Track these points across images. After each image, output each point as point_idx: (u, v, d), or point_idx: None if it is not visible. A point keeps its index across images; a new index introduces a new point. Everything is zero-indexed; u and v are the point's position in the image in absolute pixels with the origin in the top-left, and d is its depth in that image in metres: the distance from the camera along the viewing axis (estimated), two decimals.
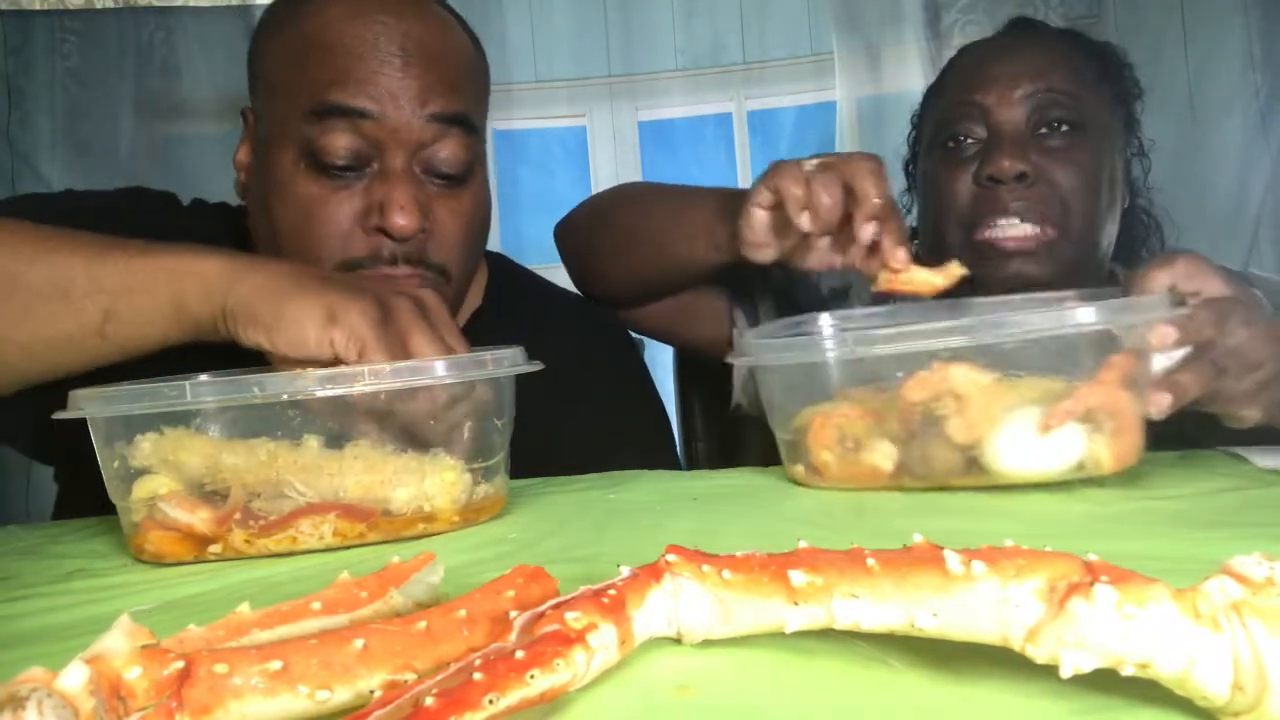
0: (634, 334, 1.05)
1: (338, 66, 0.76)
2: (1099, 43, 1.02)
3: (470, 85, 0.83)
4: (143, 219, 0.82)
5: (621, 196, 1.04)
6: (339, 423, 0.57)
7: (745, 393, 1.06)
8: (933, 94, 1.05)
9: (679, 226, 0.91)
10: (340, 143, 0.75)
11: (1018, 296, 0.81)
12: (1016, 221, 0.91)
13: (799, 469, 0.66)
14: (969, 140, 0.95)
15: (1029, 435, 0.56)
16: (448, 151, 0.79)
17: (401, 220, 0.75)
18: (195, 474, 0.55)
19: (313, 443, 0.56)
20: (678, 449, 1.08)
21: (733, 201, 0.83)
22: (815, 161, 0.75)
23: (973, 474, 0.59)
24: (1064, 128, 0.92)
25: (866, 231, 0.72)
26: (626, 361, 0.99)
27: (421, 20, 0.80)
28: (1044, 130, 0.93)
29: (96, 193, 0.89)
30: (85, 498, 0.71)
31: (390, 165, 0.77)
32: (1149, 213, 1.07)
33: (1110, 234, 0.96)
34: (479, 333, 0.88)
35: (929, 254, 1.00)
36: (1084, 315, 0.56)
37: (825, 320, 0.80)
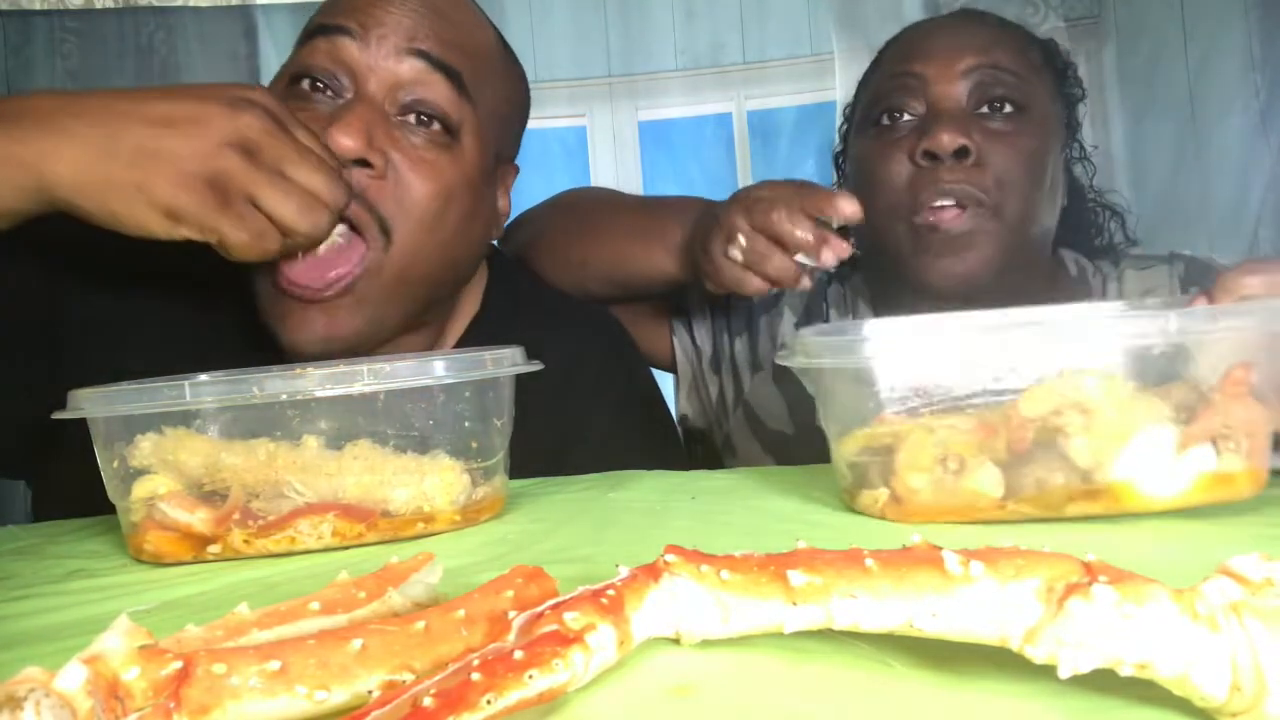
0: None
1: None
2: (1041, 37, 0.99)
3: (477, 62, 0.78)
4: None
5: (578, 204, 1.04)
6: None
7: (690, 404, 1.06)
8: (869, 75, 0.99)
9: (635, 242, 0.92)
10: (317, 60, 0.74)
11: (1083, 305, 0.75)
12: (951, 203, 0.84)
13: (877, 496, 0.54)
14: (905, 116, 0.88)
15: (1164, 455, 0.49)
16: (429, 94, 0.74)
17: (341, 136, 0.69)
18: (195, 474, 0.55)
19: (312, 443, 0.56)
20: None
21: (690, 221, 0.86)
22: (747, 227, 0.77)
23: (1091, 500, 0.50)
24: (1007, 108, 0.86)
25: (828, 259, 0.76)
26: (632, 365, 0.98)
27: None
28: (985, 109, 0.87)
29: None
30: (68, 504, 0.70)
31: (361, 91, 0.74)
32: (1107, 205, 1.03)
33: (1047, 223, 0.91)
34: (478, 341, 0.87)
35: (865, 240, 0.95)
36: (1237, 321, 0.49)
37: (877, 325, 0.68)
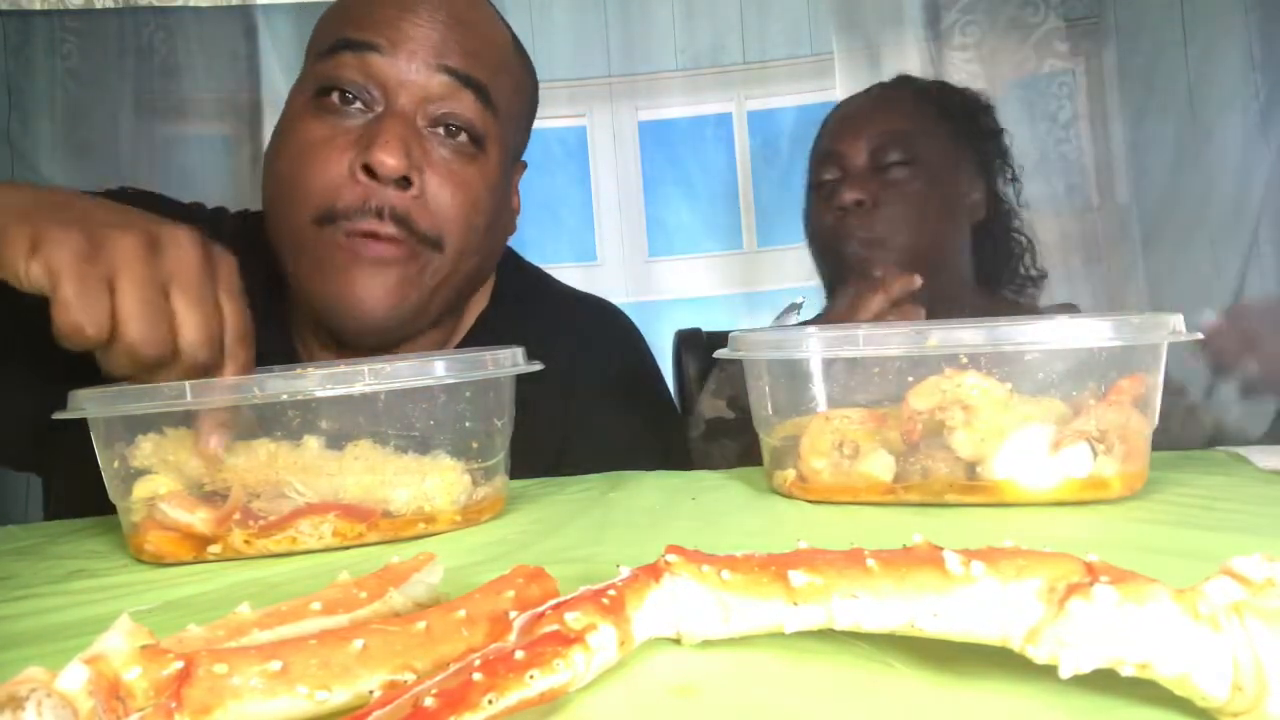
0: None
1: (360, 10, 0.77)
2: (948, 91, 1.25)
3: (498, 70, 0.80)
4: None
5: None
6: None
7: (721, 394, 1.09)
8: (813, 148, 1.27)
9: None
10: (347, 74, 0.74)
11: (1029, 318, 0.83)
12: (863, 237, 1.11)
13: (786, 476, 0.62)
14: (829, 180, 1.16)
15: (1039, 453, 0.54)
16: (458, 108, 0.76)
17: (383, 155, 0.71)
18: (195, 474, 0.55)
19: (313, 443, 0.56)
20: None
21: None
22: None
23: (973, 490, 0.56)
24: (901, 161, 1.12)
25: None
26: (639, 363, 0.99)
27: None
28: (886, 165, 1.12)
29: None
30: (72, 504, 0.70)
31: (392, 106, 0.75)
32: (1020, 231, 1.25)
33: (955, 243, 1.16)
34: (487, 334, 0.88)
35: (826, 272, 1.22)
36: (1102, 331, 0.55)
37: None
